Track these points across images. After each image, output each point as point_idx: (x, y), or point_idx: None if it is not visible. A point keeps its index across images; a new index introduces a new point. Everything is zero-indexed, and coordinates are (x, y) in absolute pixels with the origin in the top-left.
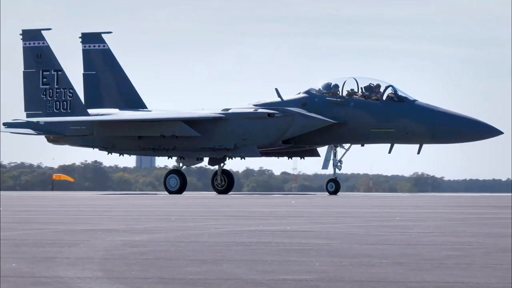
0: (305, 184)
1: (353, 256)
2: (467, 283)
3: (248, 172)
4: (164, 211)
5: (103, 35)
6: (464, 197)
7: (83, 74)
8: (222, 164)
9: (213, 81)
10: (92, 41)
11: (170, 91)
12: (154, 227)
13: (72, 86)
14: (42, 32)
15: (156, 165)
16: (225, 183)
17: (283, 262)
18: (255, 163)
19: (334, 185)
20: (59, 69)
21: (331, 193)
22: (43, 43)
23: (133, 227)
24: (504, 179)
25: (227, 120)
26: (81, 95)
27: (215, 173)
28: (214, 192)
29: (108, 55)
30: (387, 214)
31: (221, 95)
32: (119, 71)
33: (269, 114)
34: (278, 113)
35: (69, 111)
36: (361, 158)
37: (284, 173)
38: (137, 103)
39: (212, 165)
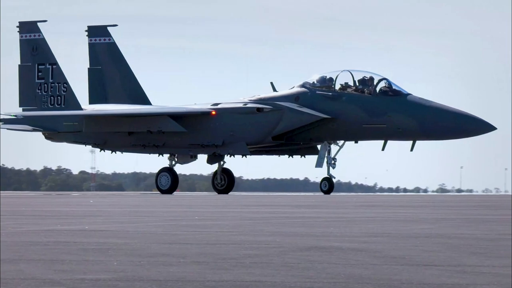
0: (104, 184)
1: (151, 256)
2: (264, 282)
3: (46, 171)
4: None
5: (108, 28)
6: (262, 196)
7: (88, 68)
8: (222, 163)
9: (222, 75)
10: (97, 35)
11: (175, 86)
12: None
13: (67, 80)
14: (38, 24)
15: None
16: (225, 182)
17: (81, 261)
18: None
19: (327, 183)
20: (54, 62)
21: (325, 192)
22: (39, 35)
23: None
24: (301, 178)
25: (215, 115)
26: (86, 90)
27: (215, 172)
28: (215, 192)
29: (113, 49)
30: (185, 213)
31: (229, 89)
32: (124, 65)
33: (258, 109)
34: (267, 107)
35: (63, 106)
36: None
37: (82, 172)
38: (142, 99)
39: (211, 163)
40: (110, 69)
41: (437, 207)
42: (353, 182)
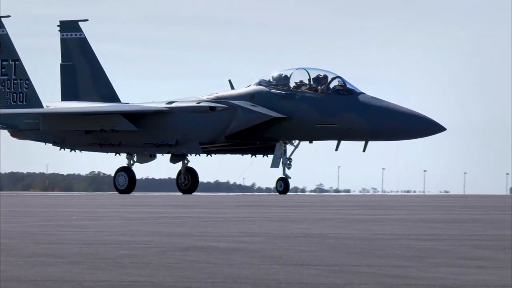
0: None
1: (28, 256)
2: (142, 282)
3: None
4: None
5: (80, 23)
6: (142, 196)
7: (60, 64)
8: (186, 162)
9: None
10: (69, 30)
11: (147, 83)
12: None
13: (28, 77)
14: (2, 19)
15: None
16: (189, 182)
17: None
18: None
19: (283, 184)
20: (16, 58)
21: (280, 192)
22: (2, 31)
23: None
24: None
25: (168, 114)
26: (58, 86)
27: (179, 172)
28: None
29: (84, 44)
30: (63, 213)
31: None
32: (94, 61)
33: (211, 108)
34: (220, 106)
35: (24, 103)
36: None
37: None
38: (112, 96)
39: (174, 163)
40: (81, 65)
41: (315, 207)
42: (231, 182)
